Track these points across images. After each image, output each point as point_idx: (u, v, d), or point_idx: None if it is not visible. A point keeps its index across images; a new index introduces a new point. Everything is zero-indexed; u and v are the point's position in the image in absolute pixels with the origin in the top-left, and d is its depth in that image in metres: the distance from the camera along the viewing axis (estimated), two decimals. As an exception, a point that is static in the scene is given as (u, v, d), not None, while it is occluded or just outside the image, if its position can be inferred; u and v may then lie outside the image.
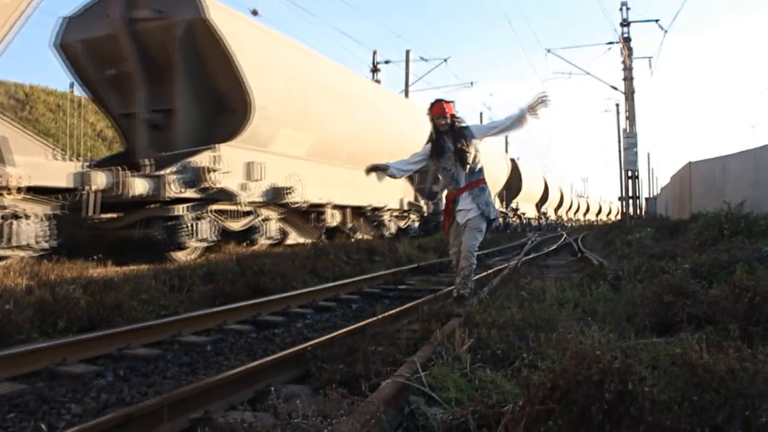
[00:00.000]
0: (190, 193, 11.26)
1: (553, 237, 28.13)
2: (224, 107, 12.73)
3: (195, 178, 11.29)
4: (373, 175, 6.20)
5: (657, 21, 25.63)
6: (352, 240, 16.12)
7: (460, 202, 5.80)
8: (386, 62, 32.71)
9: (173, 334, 5.39)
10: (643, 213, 32.51)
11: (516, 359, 3.69)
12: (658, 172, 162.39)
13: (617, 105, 36.32)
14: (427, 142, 6.20)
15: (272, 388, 3.08)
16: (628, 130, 27.23)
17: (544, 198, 47.54)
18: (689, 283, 4.75)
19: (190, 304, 6.81)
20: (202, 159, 11.56)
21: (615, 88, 27.87)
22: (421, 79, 39.84)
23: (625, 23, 27.29)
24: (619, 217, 44.15)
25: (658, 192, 48.96)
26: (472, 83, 47.10)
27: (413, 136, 19.89)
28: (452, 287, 6.07)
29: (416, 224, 22.55)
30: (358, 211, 18.20)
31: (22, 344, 4.58)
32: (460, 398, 3.02)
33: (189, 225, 11.26)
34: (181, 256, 11.20)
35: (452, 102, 5.90)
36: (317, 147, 15.44)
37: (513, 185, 37.18)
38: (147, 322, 5.48)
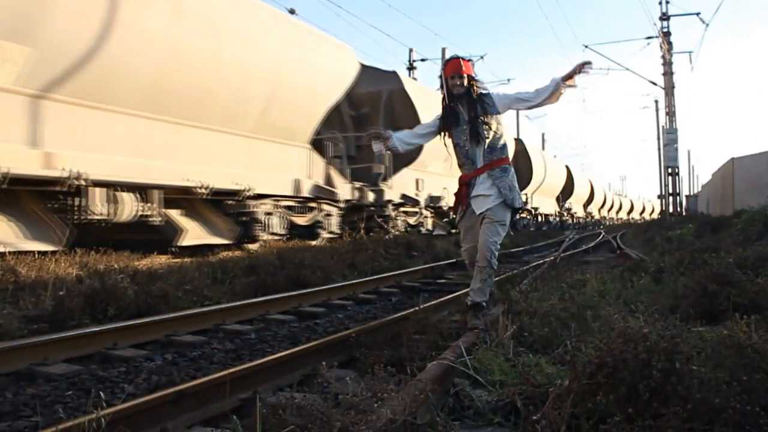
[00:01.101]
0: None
1: (591, 235, 27.84)
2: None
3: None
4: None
5: (698, 14, 25.21)
6: (391, 236, 15.90)
7: (476, 186, 4.69)
8: (422, 60, 32.90)
9: (217, 322, 5.51)
10: (683, 211, 31.96)
11: (559, 346, 3.70)
12: (699, 169, 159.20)
13: (656, 101, 35.86)
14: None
15: (322, 364, 3.14)
16: (667, 126, 26.84)
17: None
18: (734, 273, 4.69)
19: (232, 295, 6.93)
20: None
21: (654, 84, 27.53)
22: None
23: (665, 17, 26.89)
24: (657, 215, 43.59)
25: (699, 189, 48.12)
26: (509, 80, 46.58)
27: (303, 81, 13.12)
28: (467, 291, 4.87)
29: (332, 219, 14.93)
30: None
31: (75, 329, 4.73)
32: (504, 380, 3.05)
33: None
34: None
35: (471, 60, 4.93)
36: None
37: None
38: (192, 311, 5.61)
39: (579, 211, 48.22)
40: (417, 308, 5.09)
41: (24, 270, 6.68)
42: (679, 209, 29.84)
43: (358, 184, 15.86)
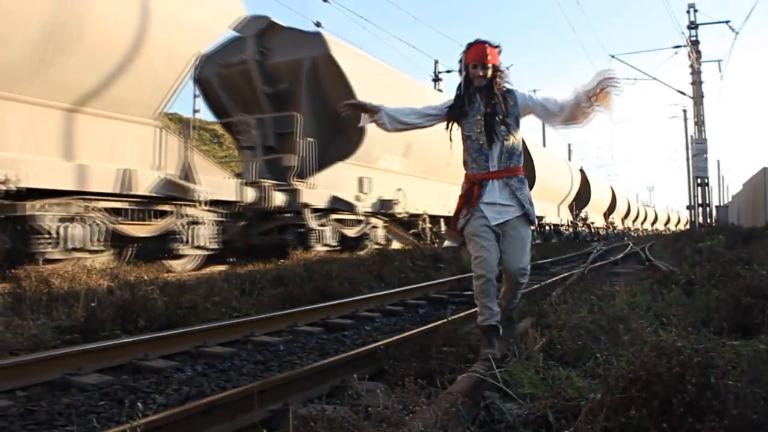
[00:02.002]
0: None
1: (618, 246, 27.55)
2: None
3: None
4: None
5: (727, 22, 24.94)
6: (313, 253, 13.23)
7: (488, 191, 3.98)
8: (448, 71, 32.86)
9: (246, 334, 5.54)
10: (713, 222, 31.53)
11: (589, 359, 3.67)
12: (729, 179, 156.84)
13: (684, 111, 35.46)
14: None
15: (353, 377, 3.15)
16: (696, 136, 26.54)
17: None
18: (769, 285, 4.62)
19: (260, 306, 6.99)
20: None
21: (682, 93, 27.28)
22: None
23: (693, 26, 26.66)
24: (687, 226, 42.77)
25: (730, 200, 47.42)
26: (534, 91, 46.51)
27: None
28: (489, 314, 3.97)
29: (200, 229, 11.29)
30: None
31: (106, 339, 4.81)
32: (535, 394, 3.03)
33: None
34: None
35: (499, 48, 4.06)
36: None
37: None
38: (221, 322, 5.66)
39: (598, 221, 44.69)
40: (446, 320, 5.06)
41: (57, 281, 6.81)
42: (709, 220, 29.44)
43: (267, 182, 12.43)
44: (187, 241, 10.44)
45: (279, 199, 12.47)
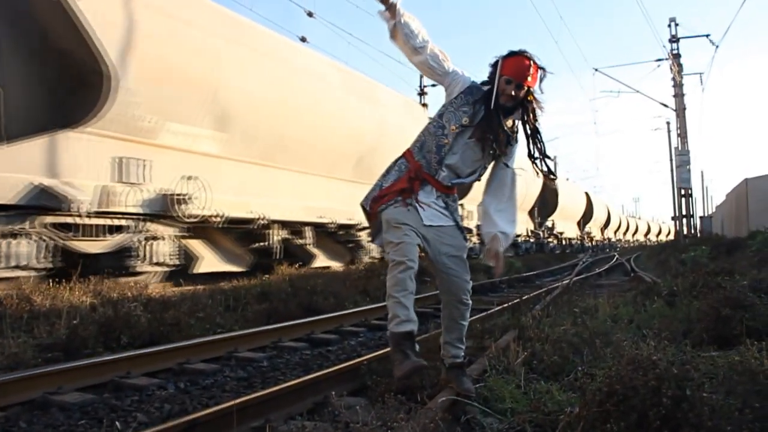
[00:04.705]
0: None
1: (604, 258, 27.69)
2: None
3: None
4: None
5: (707, 36, 25.19)
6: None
7: (427, 193, 3.43)
8: (433, 85, 32.92)
9: (230, 350, 5.52)
10: (697, 232, 31.75)
11: (571, 372, 3.69)
12: (713, 190, 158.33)
13: (668, 123, 35.74)
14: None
15: (332, 393, 3.15)
16: (680, 148, 26.76)
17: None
18: (748, 296, 4.66)
19: (245, 322, 6.96)
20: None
21: (665, 106, 27.50)
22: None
23: (675, 39, 26.93)
24: (671, 236, 43.02)
25: (713, 210, 47.82)
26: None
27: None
28: (405, 315, 3.30)
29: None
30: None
31: (88, 357, 4.76)
32: (516, 408, 3.05)
33: None
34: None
35: (543, 69, 3.41)
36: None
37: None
38: (205, 338, 5.63)
39: (597, 235, 47.29)
40: (428, 335, 5.07)
41: (39, 298, 6.75)
42: (693, 231, 29.65)
43: None
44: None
45: None
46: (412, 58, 3.44)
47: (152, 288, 8.86)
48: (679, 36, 26.95)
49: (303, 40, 17.51)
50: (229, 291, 8.43)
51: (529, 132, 3.48)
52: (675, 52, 26.90)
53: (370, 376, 4.05)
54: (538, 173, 3.56)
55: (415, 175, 3.40)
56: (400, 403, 2.80)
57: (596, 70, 26.88)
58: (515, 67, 3.31)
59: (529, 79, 3.32)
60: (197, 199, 10.59)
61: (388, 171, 3.56)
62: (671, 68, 26.75)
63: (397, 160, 3.57)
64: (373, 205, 3.47)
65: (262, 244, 12.82)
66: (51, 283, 7.67)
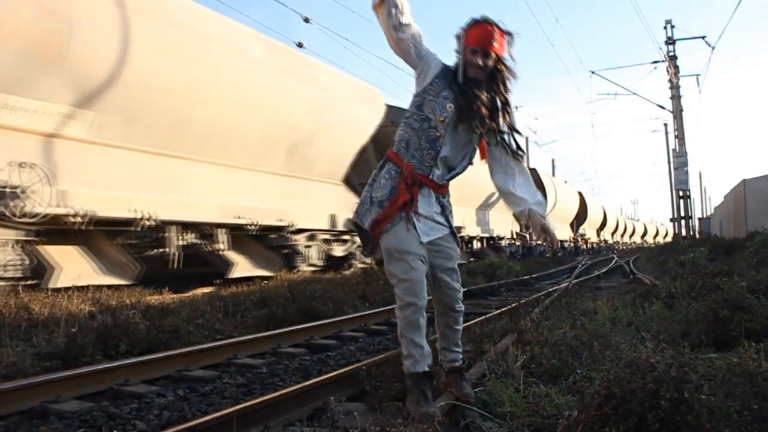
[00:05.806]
0: None
1: (603, 260, 27.71)
2: None
3: None
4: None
5: (704, 38, 25.31)
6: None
7: (426, 200, 3.26)
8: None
9: (229, 357, 5.51)
10: (696, 234, 31.79)
11: (569, 375, 3.69)
12: (711, 191, 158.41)
13: (665, 124, 35.86)
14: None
15: (331, 399, 3.14)
16: (677, 150, 26.82)
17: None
18: (746, 298, 4.66)
19: (244, 328, 6.95)
20: None
21: (662, 108, 27.57)
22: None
23: (671, 41, 27.03)
24: (670, 238, 42.94)
25: (712, 212, 47.90)
26: (517, 107, 46.73)
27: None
28: (420, 354, 3.22)
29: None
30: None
31: (87, 365, 4.75)
32: (515, 412, 3.05)
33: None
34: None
35: (510, 35, 3.22)
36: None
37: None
38: (204, 345, 5.63)
39: (593, 237, 45.96)
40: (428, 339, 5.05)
41: (37, 307, 6.74)
42: (692, 232, 29.68)
43: None
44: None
45: None
46: (392, 34, 3.19)
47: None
48: (675, 38, 27.07)
49: (300, 45, 17.53)
50: (228, 297, 8.44)
51: (498, 105, 3.31)
52: (671, 54, 27.00)
53: (369, 381, 4.04)
54: (506, 149, 3.38)
55: (411, 181, 3.18)
56: (398, 409, 2.80)
57: (593, 72, 27.03)
58: (479, 36, 3.16)
59: (495, 45, 3.15)
60: (36, 194, 7.97)
61: (374, 180, 3.36)
62: (668, 70, 26.84)
63: (382, 166, 3.35)
64: (374, 228, 3.24)
65: (158, 250, 10.80)
66: (49, 292, 7.67)
